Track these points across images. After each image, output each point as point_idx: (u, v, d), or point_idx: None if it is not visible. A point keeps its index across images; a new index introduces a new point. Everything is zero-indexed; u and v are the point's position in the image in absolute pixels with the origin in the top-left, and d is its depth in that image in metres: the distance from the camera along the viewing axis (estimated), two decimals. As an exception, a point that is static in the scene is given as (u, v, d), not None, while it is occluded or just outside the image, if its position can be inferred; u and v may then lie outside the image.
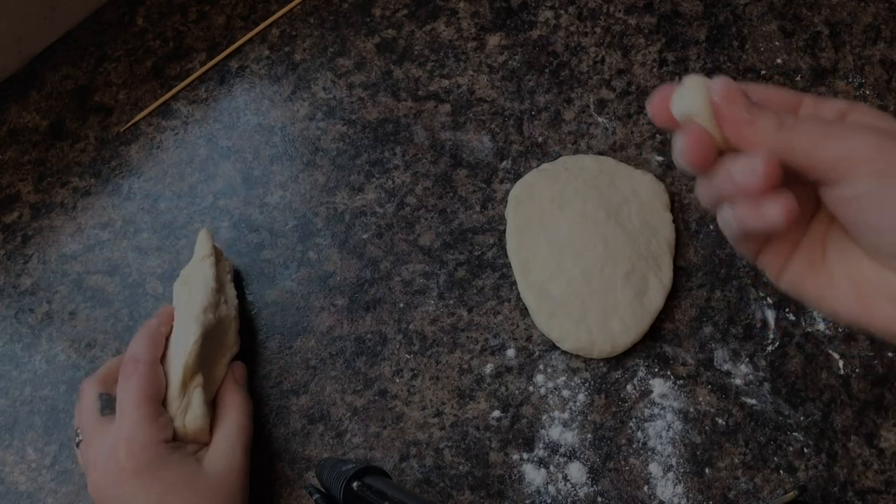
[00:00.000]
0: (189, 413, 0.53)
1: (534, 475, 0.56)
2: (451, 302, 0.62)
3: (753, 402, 0.57)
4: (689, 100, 0.34)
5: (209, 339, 0.55)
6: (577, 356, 0.59)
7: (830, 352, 0.58)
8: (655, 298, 0.59)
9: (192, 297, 0.56)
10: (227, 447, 0.53)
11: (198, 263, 0.59)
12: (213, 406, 0.56)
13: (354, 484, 0.48)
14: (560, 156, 0.65)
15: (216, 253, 0.60)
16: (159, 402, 0.52)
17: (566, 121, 0.67)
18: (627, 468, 0.56)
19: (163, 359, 0.55)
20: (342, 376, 0.60)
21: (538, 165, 0.65)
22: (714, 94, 0.33)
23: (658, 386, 0.58)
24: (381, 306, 0.62)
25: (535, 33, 0.70)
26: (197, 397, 0.53)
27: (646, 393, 0.58)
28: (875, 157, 0.31)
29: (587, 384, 0.58)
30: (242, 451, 0.54)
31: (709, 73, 0.67)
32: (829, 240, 0.37)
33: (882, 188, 0.31)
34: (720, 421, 0.56)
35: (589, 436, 0.57)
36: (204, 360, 0.55)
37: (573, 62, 0.69)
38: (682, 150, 0.34)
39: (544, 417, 0.58)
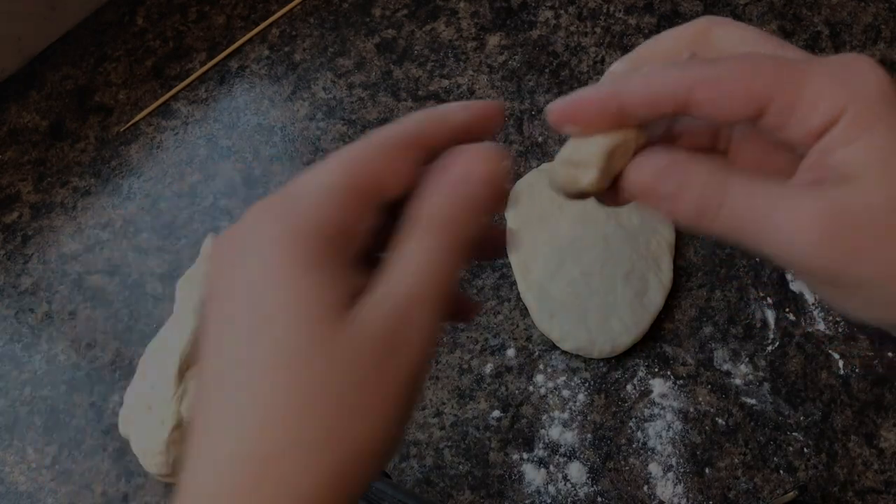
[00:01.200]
0: (185, 400, 0.54)
1: (534, 475, 0.56)
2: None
3: (753, 402, 0.57)
4: (586, 151, 0.28)
5: None
6: (577, 356, 0.59)
7: (830, 352, 0.58)
8: (655, 298, 0.59)
9: (192, 293, 0.57)
10: (402, 304, 0.25)
11: (202, 265, 0.61)
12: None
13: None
14: (560, 156, 0.65)
15: None
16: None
17: (566, 121, 0.67)
18: (627, 468, 0.56)
19: (160, 355, 0.56)
20: (342, 376, 0.60)
21: (538, 165, 0.65)
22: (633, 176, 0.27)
23: (658, 386, 0.58)
24: (381, 306, 0.62)
25: (535, 33, 0.70)
26: (194, 385, 0.54)
27: (646, 393, 0.58)
28: (822, 238, 0.24)
29: (587, 384, 0.58)
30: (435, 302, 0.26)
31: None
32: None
33: (833, 289, 0.26)
34: (720, 421, 0.56)
35: (589, 436, 0.57)
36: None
37: (573, 62, 0.69)
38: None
39: (544, 417, 0.58)
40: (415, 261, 0.25)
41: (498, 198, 0.26)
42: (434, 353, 0.26)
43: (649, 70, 0.27)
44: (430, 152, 0.27)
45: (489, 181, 0.26)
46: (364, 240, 0.26)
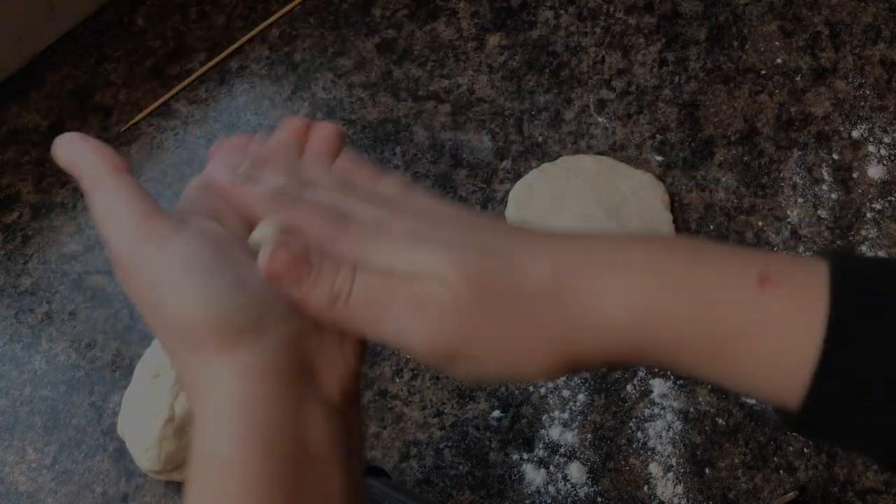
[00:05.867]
0: (179, 398, 0.55)
1: (534, 475, 0.56)
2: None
3: (753, 402, 0.57)
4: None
5: None
6: (577, 356, 0.59)
7: (830, 352, 0.58)
8: (655, 298, 0.59)
9: None
10: None
11: None
12: None
13: (354, 484, 0.48)
14: (560, 156, 0.65)
15: None
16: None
17: (566, 121, 0.66)
18: (627, 468, 0.56)
19: (159, 354, 0.56)
20: (342, 376, 0.60)
21: (538, 165, 0.65)
22: (262, 262, 0.28)
23: (658, 386, 0.58)
24: (381, 306, 0.62)
25: (535, 33, 0.70)
26: None
27: (646, 393, 0.58)
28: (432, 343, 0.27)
29: (587, 384, 0.58)
30: None
31: (708, 73, 0.67)
32: None
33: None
34: (720, 421, 0.56)
35: (589, 436, 0.57)
36: None
37: (573, 62, 0.69)
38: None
39: (544, 417, 0.58)
40: None
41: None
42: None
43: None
44: None
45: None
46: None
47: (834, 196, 0.61)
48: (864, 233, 0.60)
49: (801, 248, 0.60)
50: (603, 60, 0.68)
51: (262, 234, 0.30)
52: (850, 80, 0.65)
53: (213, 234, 0.30)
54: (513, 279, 0.27)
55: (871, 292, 0.25)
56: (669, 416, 0.57)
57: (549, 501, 0.55)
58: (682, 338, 0.26)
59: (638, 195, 0.62)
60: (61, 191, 0.69)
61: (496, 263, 0.27)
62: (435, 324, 0.27)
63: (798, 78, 0.66)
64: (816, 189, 0.62)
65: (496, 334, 0.27)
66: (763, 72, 0.66)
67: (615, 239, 0.28)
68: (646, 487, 0.55)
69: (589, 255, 0.27)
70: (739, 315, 0.25)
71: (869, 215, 0.61)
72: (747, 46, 0.67)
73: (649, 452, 0.56)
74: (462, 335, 0.27)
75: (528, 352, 0.27)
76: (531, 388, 0.58)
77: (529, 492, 0.56)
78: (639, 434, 0.57)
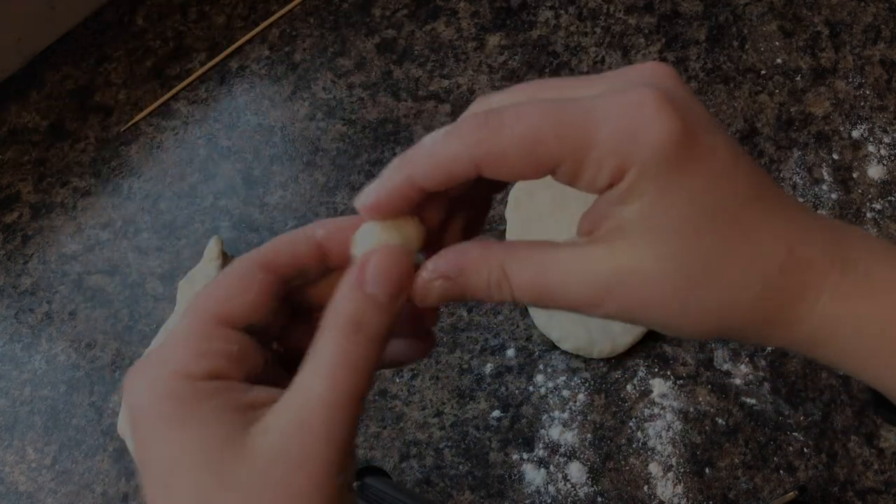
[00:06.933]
0: None
1: (534, 475, 0.56)
2: (451, 302, 0.62)
3: (753, 402, 0.57)
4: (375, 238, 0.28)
5: None
6: (577, 356, 0.59)
7: (830, 352, 0.58)
8: (655, 298, 0.59)
9: (193, 293, 0.58)
10: (303, 411, 0.26)
11: (205, 265, 0.61)
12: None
13: (354, 484, 0.48)
14: (560, 156, 0.65)
15: (224, 258, 0.61)
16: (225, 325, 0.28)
17: (566, 121, 0.66)
18: (627, 468, 0.56)
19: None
20: (342, 376, 0.61)
21: (538, 165, 0.64)
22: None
23: (658, 386, 0.58)
24: (381, 306, 0.62)
25: (535, 33, 0.70)
26: None
27: (646, 393, 0.58)
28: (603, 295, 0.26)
29: (587, 384, 0.58)
30: (335, 424, 0.26)
31: (708, 73, 0.67)
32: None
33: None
34: (720, 421, 0.56)
35: (589, 436, 0.57)
36: None
37: (573, 62, 0.69)
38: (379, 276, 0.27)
39: (544, 417, 0.58)
40: (318, 366, 0.26)
41: (399, 290, 0.27)
42: (351, 461, 0.26)
43: (432, 146, 0.27)
44: (291, 272, 0.28)
45: (388, 279, 0.27)
46: (255, 359, 0.27)
47: (834, 196, 0.61)
48: (864, 233, 0.60)
49: (801, 248, 0.60)
50: (603, 60, 0.68)
51: (370, 238, 0.28)
52: (850, 80, 0.65)
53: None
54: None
55: None
56: (669, 416, 0.57)
57: (549, 501, 0.55)
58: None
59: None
60: (61, 191, 0.69)
61: None
62: (605, 289, 0.26)
63: (798, 78, 0.66)
64: (816, 189, 0.62)
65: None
66: (763, 72, 0.66)
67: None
68: (646, 487, 0.55)
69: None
70: None
71: (869, 215, 0.61)
72: (747, 46, 0.67)
73: (649, 452, 0.56)
74: (638, 309, 0.26)
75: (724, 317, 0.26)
76: (531, 389, 0.58)
77: (529, 492, 0.56)
78: (639, 434, 0.57)
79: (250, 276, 0.28)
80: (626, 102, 0.25)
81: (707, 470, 0.55)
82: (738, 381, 0.57)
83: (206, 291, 0.28)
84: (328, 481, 0.25)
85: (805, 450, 0.55)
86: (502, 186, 0.31)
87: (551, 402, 0.58)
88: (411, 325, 0.31)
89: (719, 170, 0.25)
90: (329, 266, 0.29)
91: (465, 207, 0.30)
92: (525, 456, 0.57)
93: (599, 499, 0.55)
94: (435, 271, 0.28)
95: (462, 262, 0.28)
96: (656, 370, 0.58)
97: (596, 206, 0.27)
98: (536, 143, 0.25)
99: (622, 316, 0.27)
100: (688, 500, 0.55)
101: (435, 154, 0.26)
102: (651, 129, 0.24)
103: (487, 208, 0.32)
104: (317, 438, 0.25)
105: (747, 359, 0.58)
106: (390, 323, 0.27)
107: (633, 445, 0.56)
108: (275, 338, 0.30)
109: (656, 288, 0.26)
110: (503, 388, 0.59)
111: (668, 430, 0.56)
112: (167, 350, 0.27)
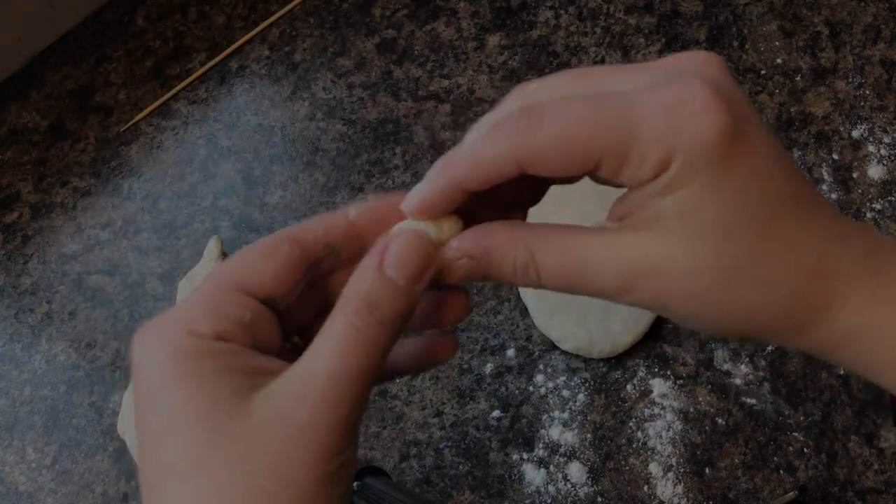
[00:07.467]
0: None
1: (534, 475, 0.56)
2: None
3: (753, 402, 0.57)
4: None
5: None
6: (577, 356, 0.59)
7: (830, 352, 0.58)
8: (655, 298, 0.59)
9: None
10: (308, 380, 0.25)
11: (205, 265, 0.61)
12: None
13: (354, 484, 0.48)
14: (560, 156, 0.65)
15: (224, 258, 0.62)
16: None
17: (566, 121, 0.66)
18: (627, 468, 0.56)
19: None
20: (342, 376, 0.60)
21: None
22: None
23: (658, 386, 0.58)
24: (381, 306, 0.62)
25: (535, 33, 0.70)
26: None
27: (646, 393, 0.58)
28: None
29: (587, 384, 0.58)
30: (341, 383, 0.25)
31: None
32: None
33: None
34: (720, 421, 0.56)
35: (589, 436, 0.57)
36: None
37: (573, 62, 0.69)
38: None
39: (544, 417, 0.58)
40: (328, 340, 0.25)
41: (419, 275, 0.27)
42: (351, 446, 0.26)
43: (472, 146, 0.27)
44: (320, 249, 0.28)
45: (408, 262, 0.26)
46: (268, 333, 0.27)
47: (834, 196, 0.61)
48: (864, 233, 0.60)
49: (801, 248, 0.60)
50: (603, 61, 0.68)
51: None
52: (850, 80, 0.65)
53: None
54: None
55: None
56: (669, 416, 0.57)
57: (549, 501, 0.55)
58: None
59: (638, 195, 0.62)
60: (61, 191, 0.69)
61: None
62: (632, 277, 0.26)
63: (798, 78, 0.66)
64: (816, 189, 0.62)
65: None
66: (763, 72, 0.66)
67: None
68: (646, 487, 0.55)
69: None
70: None
71: (869, 215, 0.61)
72: (747, 46, 0.67)
73: (649, 452, 0.56)
74: (671, 299, 0.26)
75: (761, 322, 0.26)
76: (531, 389, 0.58)
77: (529, 492, 0.56)
78: (639, 434, 0.57)
79: (276, 247, 0.28)
80: (673, 94, 0.24)
81: (707, 470, 0.55)
82: (738, 381, 0.57)
83: (232, 258, 0.28)
84: (325, 455, 0.24)
85: (805, 450, 0.55)
86: (544, 188, 0.32)
87: (551, 402, 0.58)
88: (433, 321, 0.31)
89: (761, 169, 0.25)
90: (361, 248, 0.28)
91: (505, 204, 0.31)
92: (525, 456, 0.57)
93: (599, 499, 0.55)
94: (460, 250, 0.28)
95: (488, 242, 0.28)
96: (656, 370, 0.58)
97: (632, 194, 0.27)
98: (579, 142, 0.25)
99: (649, 305, 0.27)
100: (688, 500, 0.55)
101: (476, 154, 0.26)
102: (699, 122, 0.24)
103: (529, 204, 0.32)
104: (318, 409, 0.24)
105: (747, 359, 0.58)
106: (407, 309, 0.26)
107: (633, 445, 0.56)
108: (297, 330, 0.30)
109: (688, 282, 0.26)
110: (503, 388, 0.59)
111: (668, 430, 0.56)
112: (179, 309, 0.27)
